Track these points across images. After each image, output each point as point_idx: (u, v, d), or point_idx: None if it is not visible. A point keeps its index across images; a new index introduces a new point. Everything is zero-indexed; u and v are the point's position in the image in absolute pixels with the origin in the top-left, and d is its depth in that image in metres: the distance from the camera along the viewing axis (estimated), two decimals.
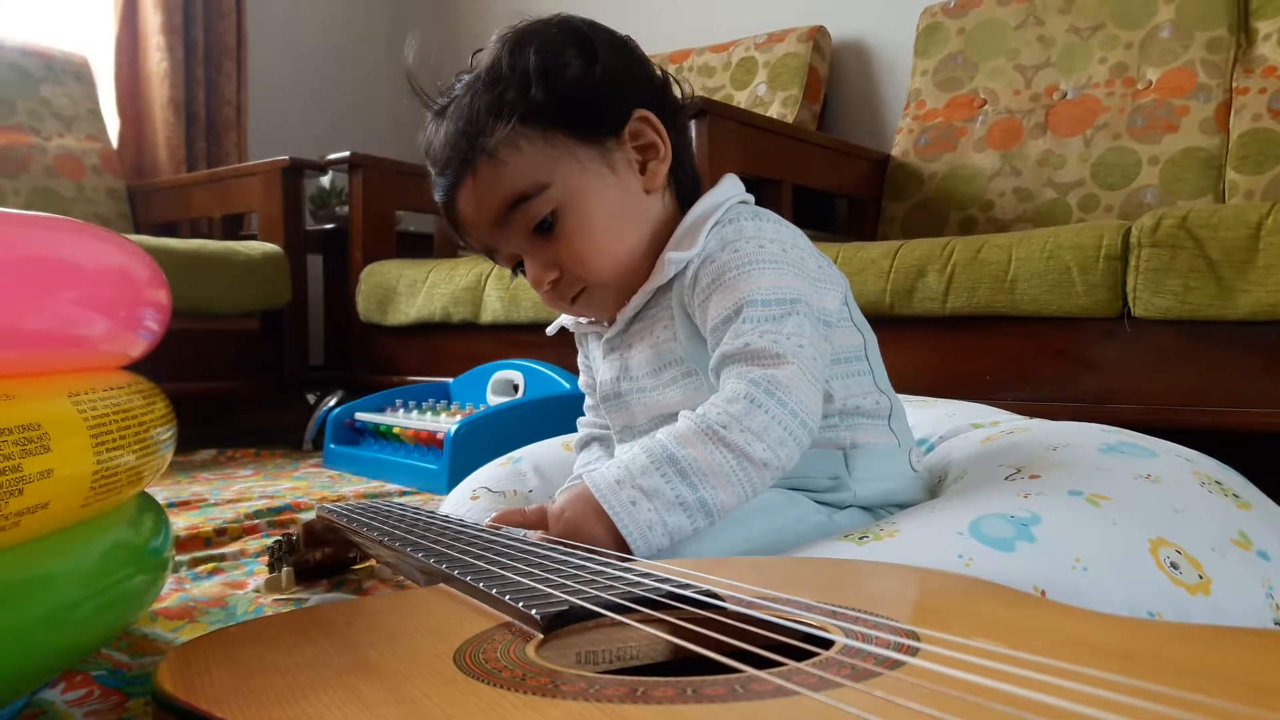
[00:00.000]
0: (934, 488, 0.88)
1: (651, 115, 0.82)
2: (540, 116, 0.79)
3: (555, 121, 0.79)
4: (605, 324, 0.90)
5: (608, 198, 0.81)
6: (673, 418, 0.82)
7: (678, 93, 0.88)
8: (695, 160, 0.90)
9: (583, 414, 1.01)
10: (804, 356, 0.73)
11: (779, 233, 0.81)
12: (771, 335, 0.73)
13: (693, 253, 0.80)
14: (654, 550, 0.68)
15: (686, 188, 0.87)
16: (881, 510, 0.82)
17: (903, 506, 0.82)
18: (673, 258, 0.80)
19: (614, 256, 0.83)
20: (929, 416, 1.06)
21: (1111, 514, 0.68)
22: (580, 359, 0.98)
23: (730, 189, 0.86)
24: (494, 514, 0.76)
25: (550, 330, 0.99)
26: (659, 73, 0.87)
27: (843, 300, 0.85)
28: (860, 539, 0.71)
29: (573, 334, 0.98)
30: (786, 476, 0.75)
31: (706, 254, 0.80)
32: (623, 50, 0.84)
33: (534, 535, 0.71)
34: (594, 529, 0.68)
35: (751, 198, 0.87)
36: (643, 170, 0.83)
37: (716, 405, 0.71)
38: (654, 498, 0.68)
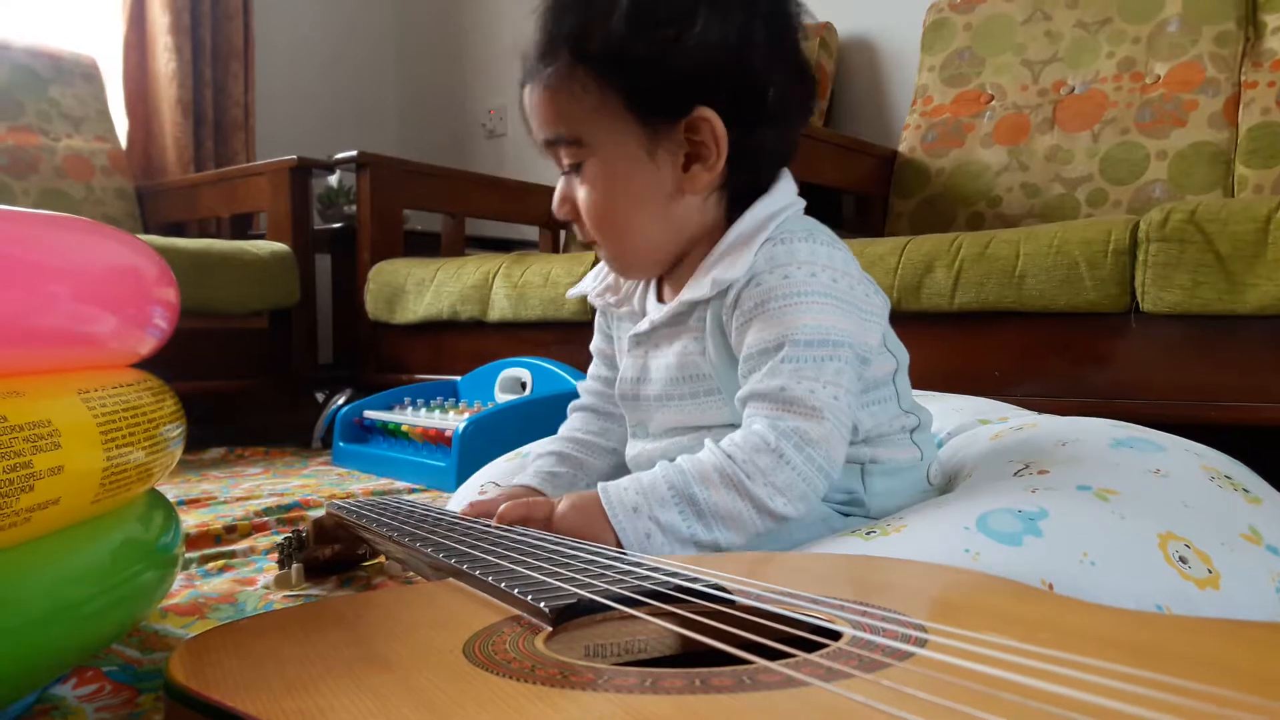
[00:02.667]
0: (945, 488, 0.88)
1: (713, 117, 0.74)
2: (605, 68, 0.74)
3: (616, 82, 0.74)
4: (622, 303, 0.89)
5: (634, 182, 0.77)
6: (688, 430, 0.83)
7: (778, 93, 0.77)
8: (773, 169, 0.81)
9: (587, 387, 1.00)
10: (838, 409, 0.71)
11: (831, 258, 0.76)
12: (809, 383, 0.71)
13: (737, 273, 0.75)
14: None
15: (742, 198, 0.80)
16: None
17: None
18: (716, 279, 0.76)
19: (624, 238, 0.80)
20: (937, 411, 1.06)
21: (1120, 508, 0.68)
22: (598, 319, 0.96)
23: (784, 197, 0.80)
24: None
25: (571, 294, 0.97)
26: (775, 64, 0.77)
27: (883, 330, 0.81)
28: (867, 534, 0.71)
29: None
30: None
31: (753, 274, 0.75)
32: (734, 21, 0.74)
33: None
34: (603, 542, 0.68)
35: (803, 203, 0.82)
36: (685, 168, 0.77)
37: (744, 451, 0.70)
38: (669, 533, 0.69)
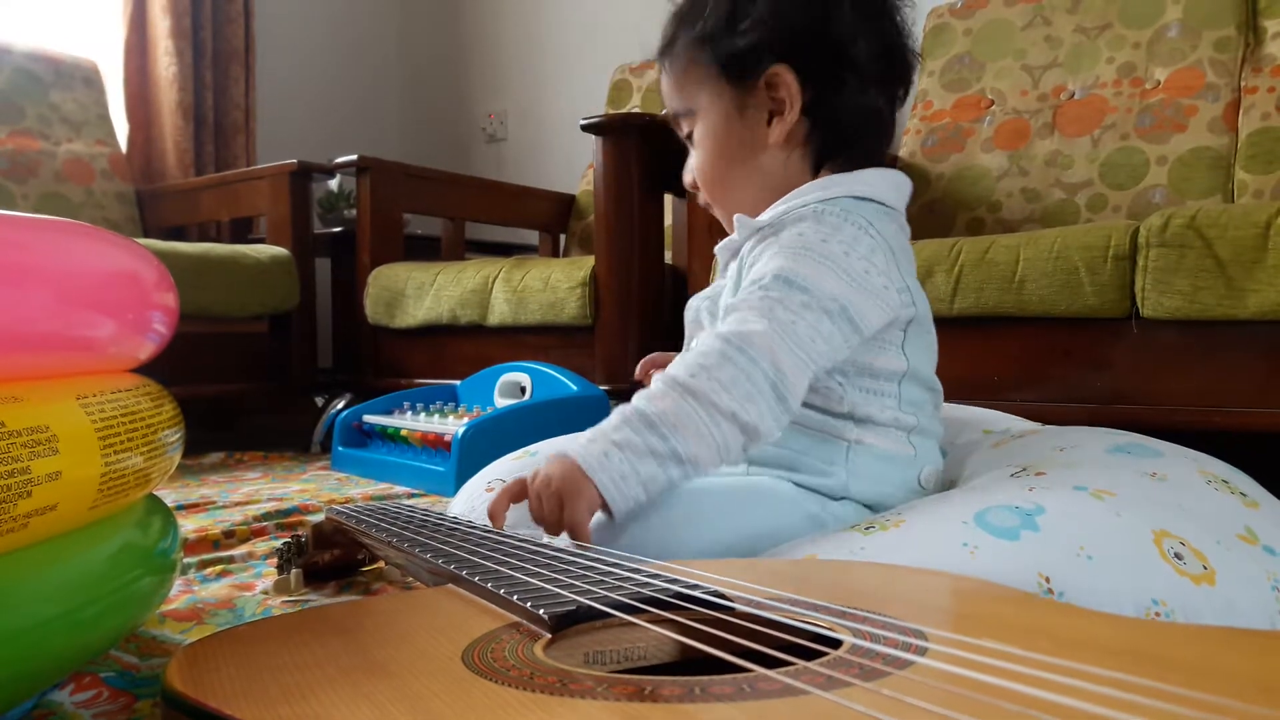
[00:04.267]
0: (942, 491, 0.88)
1: (785, 72, 0.84)
2: (704, 45, 0.87)
3: (713, 56, 0.87)
4: None
5: (729, 138, 0.88)
6: None
7: (856, 53, 0.84)
8: (864, 136, 0.88)
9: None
10: (791, 331, 0.74)
11: (856, 238, 0.81)
12: (770, 304, 0.75)
13: (761, 220, 0.85)
14: (631, 502, 0.70)
15: (828, 157, 0.87)
16: (879, 508, 0.83)
17: None
18: (741, 221, 0.86)
19: (720, 190, 0.91)
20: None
21: (1115, 507, 0.69)
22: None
23: (859, 185, 0.85)
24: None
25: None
26: (858, 29, 0.84)
27: (890, 321, 0.83)
28: (866, 529, 0.72)
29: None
30: (781, 453, 0.80)
31: (778, 226, 0.83)
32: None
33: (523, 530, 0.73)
34: (573, 484, 0.70)
35: (880, 198, 0.86)
36: (769, 123, 0.86)
37: (689, 357, 0.74)
38: (625, 448, 0.71)
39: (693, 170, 0.93)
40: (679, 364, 0.75)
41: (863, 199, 0.84)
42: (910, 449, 0.84)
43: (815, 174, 0.88)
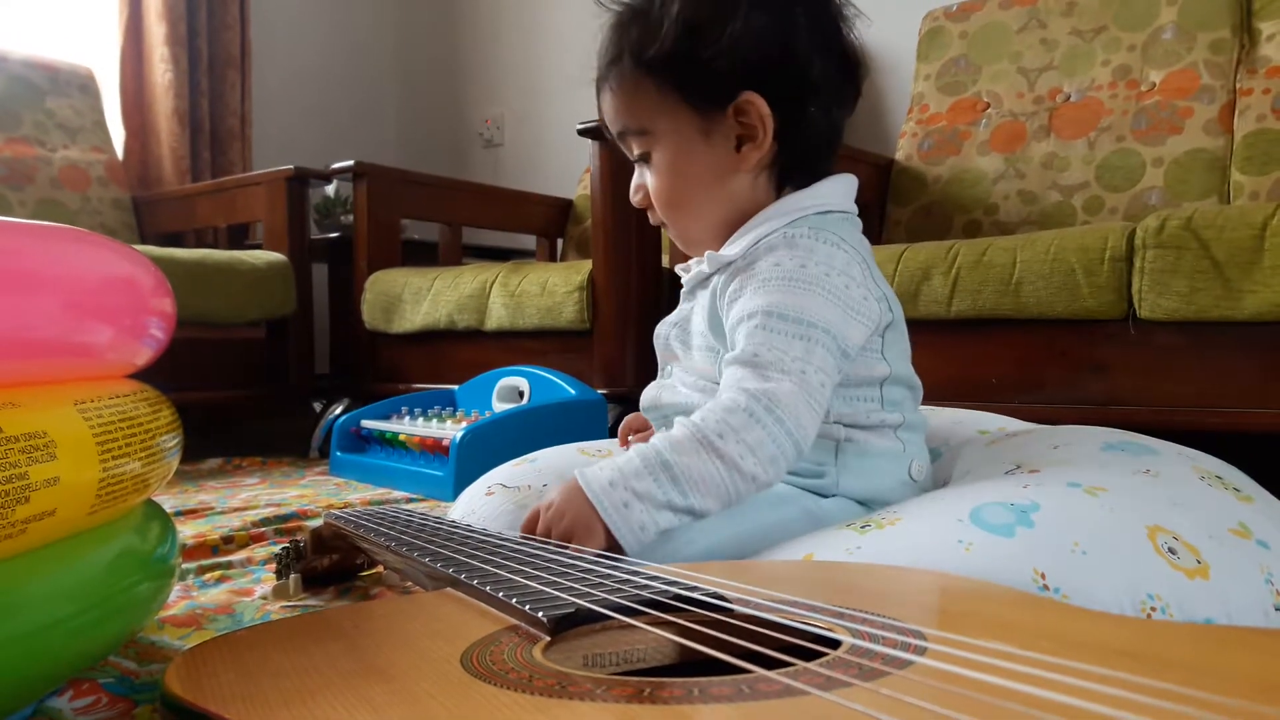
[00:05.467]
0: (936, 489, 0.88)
1: (758, 100, 0.82)
2: (661, 70, 0.83)
3: (672, 80, 0.83)
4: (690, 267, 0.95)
5: (693, 163, 0.85)
6: (702, 383, 0.89)
7: (820, 75, 0.84)
8: (826, 153, 0.88)
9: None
10: (807, 382, 0.74)
11: (831, 256, 0.81)
12: (780, 351, 0.75)
13: (732, 254, 0.83)
14: (643, 546, 0.71)
15: (792, 176, 0.87)
16: (872, 503, 0.84)
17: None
18: (712, 256, 0.86)
19: (684, 214, 0.88)
20: (936, 425, 1.06)
21: (1109, 503, 0.69)
22: None
23: (822, 197, 0.86)
24: (509, 510, 0.80)
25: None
26: (816, 49, 0.84)
27: (872, 333, 0.84)
28: (862, 527, 0.72)
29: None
30: None
31: (752, 258, 0.82)
32: (774, 14, 0.82)
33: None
34: (587, 523, 0.71)
35: (839, 207, 0.87)
36: (738, 148, 0.84)
37: (715, 414, 0.73)
38: (645, 500, 0.71)
39: (644, 189, 0.89)
40: (707, 418, 0.73)
41: (826, 212, 0.85)
42: (898, 443, 0.86)
43: (779, 194, 0.87)
